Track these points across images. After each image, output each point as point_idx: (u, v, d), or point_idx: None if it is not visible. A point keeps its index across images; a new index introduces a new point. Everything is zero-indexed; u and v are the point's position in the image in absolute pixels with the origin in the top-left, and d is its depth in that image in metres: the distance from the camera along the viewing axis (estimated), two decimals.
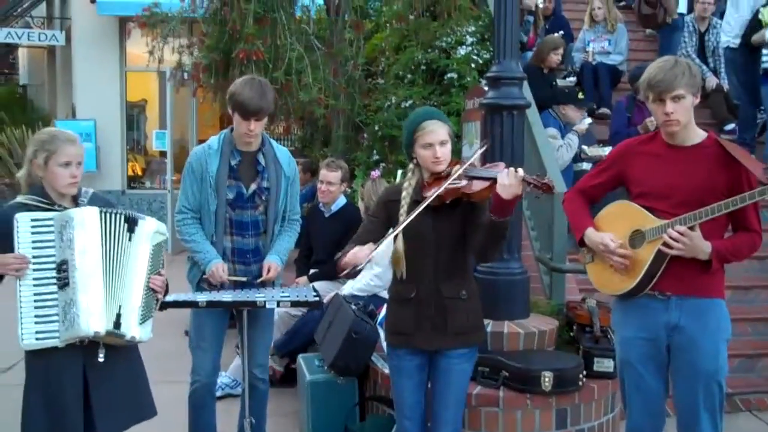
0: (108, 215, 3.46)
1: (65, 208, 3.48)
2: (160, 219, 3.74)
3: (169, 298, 3.86)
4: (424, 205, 3.51)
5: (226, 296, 4.20)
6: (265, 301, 4.13)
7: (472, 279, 3.84)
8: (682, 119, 3.48)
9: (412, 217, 3.49)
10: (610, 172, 3.80)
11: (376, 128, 8.10)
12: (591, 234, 3.72)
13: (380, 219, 3.79)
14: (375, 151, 8.09)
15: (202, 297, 4.17)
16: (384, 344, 4.98)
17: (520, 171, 3.36)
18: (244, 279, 4.47)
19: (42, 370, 3.46)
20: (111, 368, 3.53)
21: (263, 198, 4.47)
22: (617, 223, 3.68)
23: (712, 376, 3.53)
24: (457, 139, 6.56)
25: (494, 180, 3.41)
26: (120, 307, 3.43)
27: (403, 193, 3.67)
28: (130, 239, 3.51)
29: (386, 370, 4.90)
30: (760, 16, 7.14)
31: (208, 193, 4.41)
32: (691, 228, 3.42)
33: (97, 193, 3.73)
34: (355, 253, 3.46)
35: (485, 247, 3.58)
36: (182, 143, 14.32)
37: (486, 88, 5.30)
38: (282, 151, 4.58)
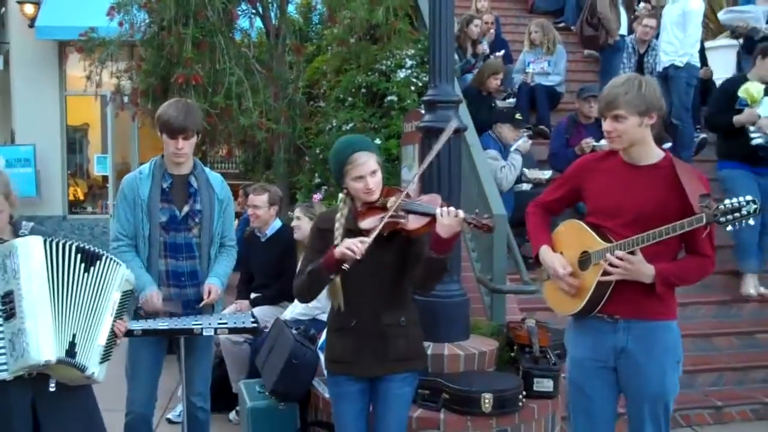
0: (54, 244, 3.40)
1: (4, 241, 3.41)
2: (103, 244, 3.71)
3: None
4: (372, 237, 3.44)
5: (162, 324, 4.16)
6: (202, 329, 4.11)
7: (411, 305, 3.83)
8: (625, 137, 3.49)
9: (370, 242, 3.44)
10: (567, 186, 3.83)
11: (318, 151, 8.10)
12: (544, 254, 3.75)
13: (317, 247, 3.73)
14: (317, 174, 8.08)
15: (137, 325, 4.12)
16: (324, 370, 4.97)
17: (461, 213, 3.37)
18: (179, 313, 4.41)
19: None
20: (62, 401, 3.45)
21: (196, 220, 4.45)
22: (569, 242, 3.71)
23: (658, 398, 3.56)
24: (396, 161, 6.60)
25: (433, 217, 3.42)
26: (74, 336, 3.36)
27: (336, 224, 3.64)
28: (86, 271, 3.44)
29: (327, 395, 4.88)
30: (742, 94, 7.19)
31: (140, 217, 4.39)
32: (632, 252, 3.43)
33: (37, 226, 3.65)
34: (355, 242, 3.41)
35: (425, 280, 3.60)
36: (124, 167, 14.14)
37: (423, 112, 5.33)
38: (214, 177, 4.58)
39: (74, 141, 15.00)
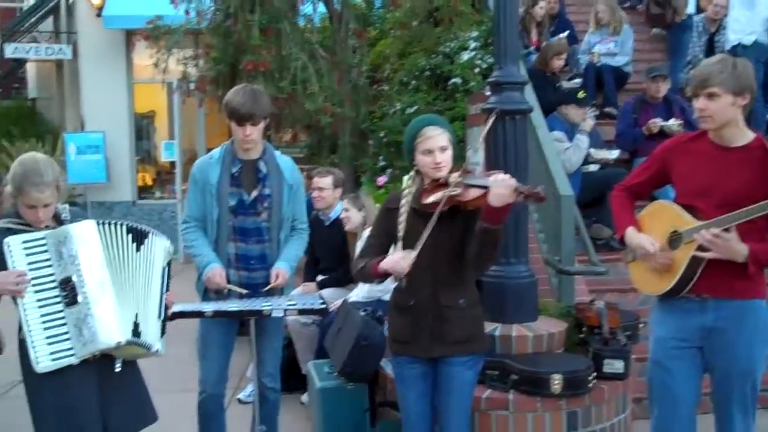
0: (108, 227, 3.43)
1: (49, 228, 3.42)
2: (171, 228, 3.77)
3: (176, 308, 3.85)
4: (434, 221, 3.48)
5: (233, 306, 4.21)
6: (271, 310, 4.14)
7: (472, 287, 3.80)
8: (716, 117, 3.44)
9: (427, 234, 3.48)
10: (654, 168, 3.80)
11: (382, 135, 8.11)
12: (631, 234, 3.72)
13: (383, 228, 3.77)
14: (381, 158, 8.10)
15: (208, 307, 4.18)
16: None
17: (512, 181, 3.35)
18: (243, 291, 4.45)
19: (54, 391, 3.38)
20: (120, 377, 3.51)
21: (265, 204, 4.47)
22: (657, 223, 3.67)
23: (746, 375, 3.53)
24: (461, 144, 6.58)
25: (488, 188, 3.41)
26: (136, 315, 3.40)
27: (402, 201, 3.66)
28: (137, 250, 3.49)
29: None
30: None
31: (209, 201, 4.44)
32: (727, 230, 3.39)
33: (75, 209, 3.68)
34: (398, 262, 3.49)
35: (478, 254, 3.55)
36: (191, 153, 14.34)
37: (488, 93, 5.30)
38: (284, 160, 4.60)
39: (141, 128, 15.29)
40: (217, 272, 4.40)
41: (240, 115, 4.31)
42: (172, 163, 14.03)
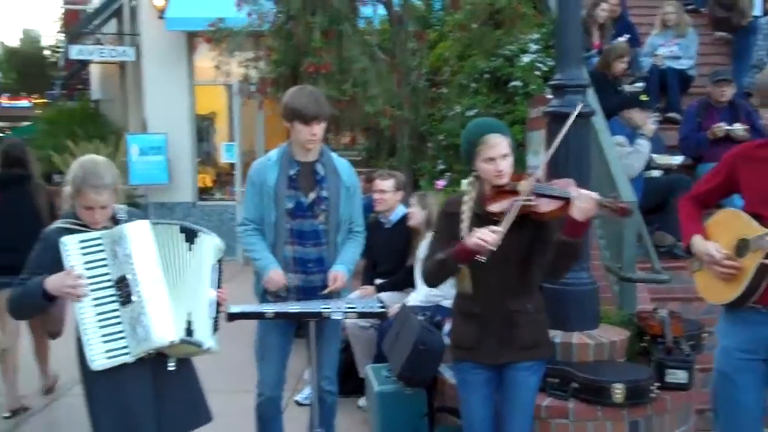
0: (161, 226, 3.47)
1: (106, 228, 3.45)
2: (230, 230, 3.78)
3: (237, 309, 3.88)
4: (507, 224, 3.40)
5: (293, 307, 4.22)
6: (331, 312, 4.14)
7: (537, 292, 3.78)
8: None
9: (505, 230, 3.40)
10: (721, 176, 3.74)
11: (441, 137, 8.08)
12: (697, 242, 3.68)
13: (445, 232, 3.71)
14: (440, 161, 8.07)
15: (268, 308, 4.20)
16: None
17: (596, 195, 3.33)
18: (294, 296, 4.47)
19: (109, 389, 3.42)
20: (174, 376, 3.54)
21: (323, 207, 4.48)
22: (724, 231, 3.62)
23: None
24: (521, 147, 6.52)
25: (567, 200, 3.37)
26: (189, 314, 3.42)
27: (463, 207, 3.62)
28: (189, 249, 3.51)
29: (454, 381, 4.88)
30: None
31: (267, 204, 4.45)
32: None
33: (133, 209, 3.73)
34: (483, 237, 3.34)
35: (556, 266, 3.54)
36: (250, 155, 14.42)
37: (549, 96, 5.24)
38: (341, 163, 4.60)
39: (202, 129, 15.44)
40: (277, 274, 4.42)
41: (307, 115, 4.31)
42: (232, 165, 14.18)
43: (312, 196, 4.47)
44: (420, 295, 5.81)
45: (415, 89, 8.79)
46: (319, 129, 4.36)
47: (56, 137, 16.50)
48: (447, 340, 4.93)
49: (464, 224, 3.57)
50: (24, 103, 56.86)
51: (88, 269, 3.33)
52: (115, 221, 3.54)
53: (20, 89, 59.10)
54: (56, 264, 3.31)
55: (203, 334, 3.47)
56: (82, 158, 3.54)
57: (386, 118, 8.20)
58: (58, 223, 3.51)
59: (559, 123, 4.87)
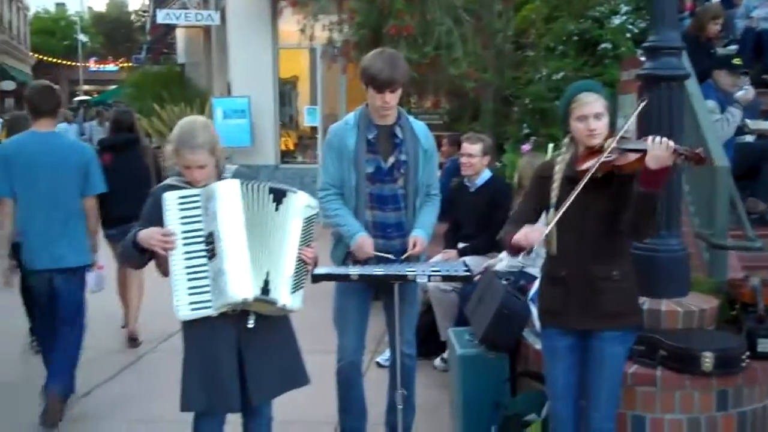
0: (250, 186, 3.51)
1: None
2: (311, 193, 3.77)
3: (322, 270, 3.89)
4: (583, 183, 3.41)
5: (378, 270, 4.23)
6: (416, 275, 4.14)
7: (626, 259, 3.70)
8: None
9: (573, 196, 3.40)
10: None
11: (527, 101, 8.00)
12: None
13: (534, 194, 3.72)
14: (525, 125, 7.99)
15: (354, 270, 4.20)
16: (535, 321, 4.93)
17: (671, 142, 3.24)
18: (389, 255, 4.45)
19: (196, 340, 3.58)
20: (263, 336, 3.61)
21: (402, 171, 4.44)
22: None
23: None
24: (612, 112, 6.39)
25: (645, 151, 3.30)
26: (268, 273, 3.47)
27: (556, 168, 3.59)
28: (276, 209, 3.55)
29: (537, 346, 4.84)
30: None
31: (347, 168, 4.43)
32: None
33: (240, 168, 3.78)
34: (527, 235, 3.43)
35: (635, 222, 3.45)
36: (332, 119, 14.43)
37: (642, 59, 5.12)
38: (419, 126, 4.55)
39: (284, 93, 15.55)
40: (366, 241, 4.41)
41: (379, 81, 4.25)
42: (314, 129, 14.28)
43: (391, 160, 4.44)
44: (505, 259, 5.77)
45: (500, 52, 8.71)
46: (391, 97, 4.30)
47: (142, 101, 16.91)
48: (531, 305, 4.92)
49: (555, 185, 3.54)
50: (111, 67, 58.28)
51: (183, 224, 3.47)
52: (219, 179, 3.62)
53: (107, 53, 60.44)
54: (162, 218, 3.48)
55: (282, 292, 3.52)
56: (183, 119, 3.66)
57: (470, 81, 8.13)
58: (167, 181, 3.69)
59: (652, 86, 4.78)
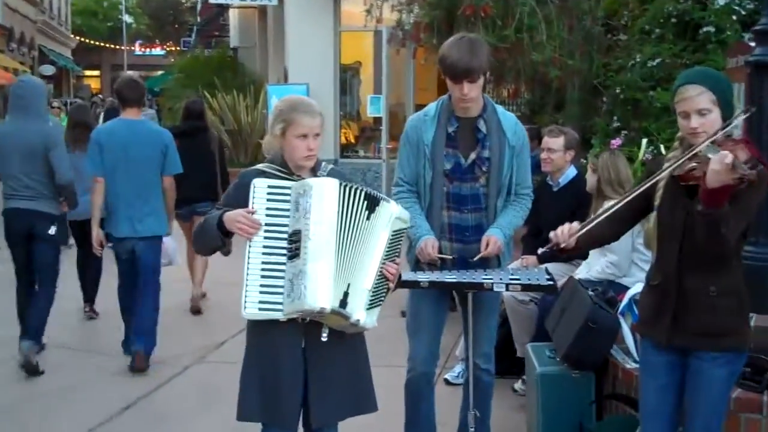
0: (348, 189, 3.50)
1: (301, 178, 3.59)
2: (375, 190, 3.77)
3: None
4: (649, 183, 3.39)
5: (450, 277, 4.23)
6: (492, 284, 4.12)
7: (731, 274, 3.55)
8: None
9: (632, 195, 3.41)
10: None
11: (618, 91, 7.90)
12: None
13: (640, 193, 3.58)
14: (615, 117, 7.89)
15: (423, 277, 4.22)
16: (626, 336, 4.89)
17: (728, 157, 3.04)
18: (451, 257, 4.47)
19: (259, 346, 3.63)
20: (332, 352, 3.61)
21: (483, 169, 4.44)
22: None
23: None
24: None
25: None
26: (348, 285, 3.47)
27: (665, 164, 3.52)
28: (368, 218, 3.54)
29: (627, 365, 4.81)
30: None
31: (423, 163, 4.45)
32: None
33: (336, 168, 3.83)
34: (563, 231, 3.49)
35: (700, 243, 3.35)
36: (399, 108, 14.52)
37: (751, 44, 5.02)
38: (507, 118, 4.54)
39: (346, 80, 15.61)
40: (429, 243, 4.43)
41: (457, 71, 4.26)
42: (378, 120, 14.26)
43: (472, 156, 4.45)
44: (594, 270, 5.71)
45: (588, 35, 8.61)
46: (470, 88, 4.29)
47: (192, 88, 17.09)
48: (621, 319, 4.87)
49: (660, 184, 3.49)
50: (158, 51, 59.25)
51: (268, 215, 3.50)
52: (314, 175, 3.67)
53: (154, 36, 61.44)
54: (245, 203, 3.52)
55: (357, 306, 3.50)
56: (279, 99, 3.80)
57: (554, 68, 8.07)
58: (259, 165, 3.74)
59: (763, 75, 4.68)
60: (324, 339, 3.56)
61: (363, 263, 3.53)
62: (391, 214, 3.60)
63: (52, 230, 6.74)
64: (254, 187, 3.51)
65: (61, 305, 7.38)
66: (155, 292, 6.86)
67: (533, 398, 5.16)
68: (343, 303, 3.45)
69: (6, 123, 7.02)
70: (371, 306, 3.56)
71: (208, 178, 8.29)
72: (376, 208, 3.56)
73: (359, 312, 3.50)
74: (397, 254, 3.68)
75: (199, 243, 3.80)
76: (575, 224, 3.54)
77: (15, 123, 6.71)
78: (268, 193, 3.51)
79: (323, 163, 3.74)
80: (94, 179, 6.63)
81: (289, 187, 3.52)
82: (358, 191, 3.51)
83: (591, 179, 6.01)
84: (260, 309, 3.47)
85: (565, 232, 3.51)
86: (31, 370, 6.52)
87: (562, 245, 3.54)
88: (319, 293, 3.38)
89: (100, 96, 37.26)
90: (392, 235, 3.61)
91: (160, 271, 6.95)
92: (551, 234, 3.55)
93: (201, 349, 7.10)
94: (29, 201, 6.64)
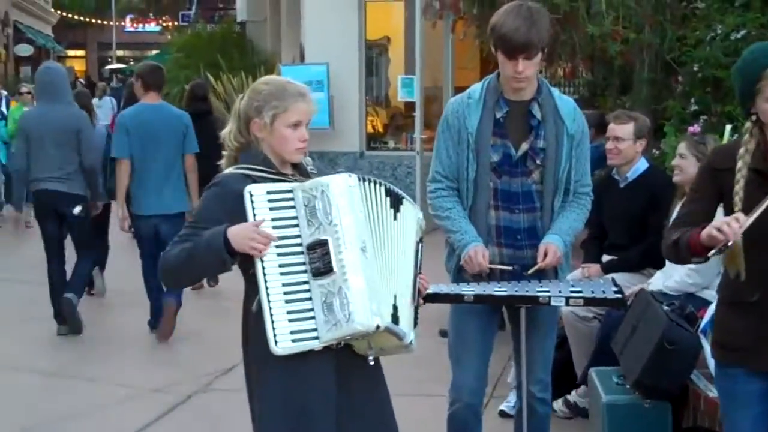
0: (368, 184, 3.48)
1: (294, 179, 3.53)
2: (407, 188, 3.79)
3: (429, 289, 3.86)
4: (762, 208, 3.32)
5: (499, 289, 4.21)
6: (549, 297, 4.10)
7: None
8: None
9: (752, 220, 3.31)
10: None
11: (695, 68, 7.86)
12: None
13: (707, 193, 3.63)
14: (693, 100, 7.85)
15: (468, 290, 4.20)
16: (709, 360, 4.83)
17: None
18: (509, 268, 4.44)
19: (282, 385, 3.48)
20: (365, 380, 3.57)
21: (537, 162, 4.43)
22: None
23: None
24: None
25: None
26: (395, 297, 3.44)
27: (738, 162, 3.49)
28: (395, 218, 3.53)
29: (711, 393, 4.78)
30: None
31: (466, 155, 4.43)
32: None
33: (318, 164, 3.81)
34: (725, 224, 3.30)
35: None
36: (434, 92, 14.51)
37: None
38: (565, 102, 4.53)
39: (372, 59, 15.59)
40: (480, 251, 4.38)
41: (511, 45, 4.23)
42: (410, 105, 14.24)
43: (524, 146, 4.43)
44: (671, 279, 5.67)
45: (659, 4, 8.56)
46: (526, 65, 4.25)
47: (192, 69, 17.19)
48: (703, 339, 4.83)
49: (739, 183, 3.45)
50: (152, 27, 59.58)
51: (275, 227, 3.38)
52: (303, 173, 3.62)
53: (147, 10, 61.78)
54: (231, 217, 3.40)
55: (406, 323, 3.48)
56: (258, 81, 3.70)
57: (617, 42, 8.02)
58: (233, 169, 3.60)
59: None
60: (371, 362, 3.49)
61: (402, 272, 3.52)
62: (418, 218, 3.62)
63: (77, 210, 8.29)
64: (251, 195, 3.38)
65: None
66: None
67: (598, 431, 5.15)
68: (395, 318, 3.41)
69: (36, 108, 9.08)
70: (415, 324, 3.55)
71: (211, 164, 8.66)
72: (401, 206, 3.56)
73: (411, 331, 3.48)
74: (420, 266, 3.67)
75: (184, 275, 3.63)
76: (740, 215, 3.36)
77: (44, 107, 8.45)
78: (269, 200, 3.40)
79: (304, 158, 3.67)
80: (120, 161, 8.14)
81: (290, 191, 3.43)
82: (378, 186, 3.50)
83: (692, 169, 5.84)
84: (294, 341, 3.34)
85: (734, 226, 3.31)
86: (75, 325, 8.21)
87: (730, 243, 3.34)
88: (368, 310, 3.30)
89: (81, 81, 37.17)
90: (418, 244, 3.62)
91: None
92: (713, 232, 3.33)
93: (206, 375, 7.11)
94: (58, 183, 8.23)
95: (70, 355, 7.96)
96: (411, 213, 3.61)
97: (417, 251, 3.61)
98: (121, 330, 8.64)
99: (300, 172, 3.62)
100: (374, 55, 15.81)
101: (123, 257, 10.36)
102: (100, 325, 8.73)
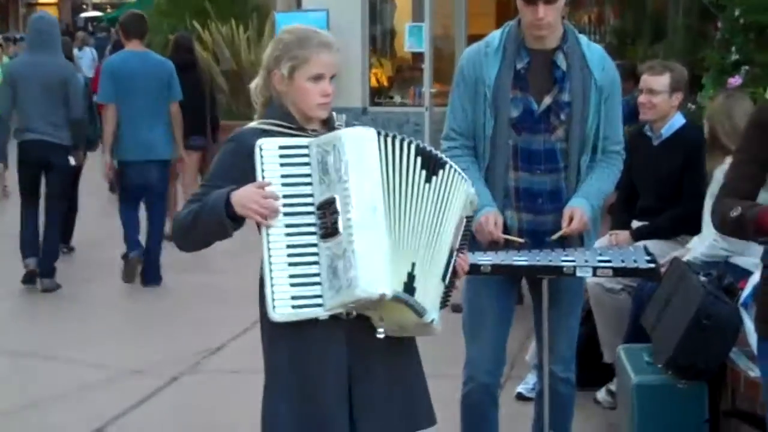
0: (391, 140, 3.41)
1: (318, 133, 3.51)
2: None
3: None
4: None
5: (519, 259, 4.20)
6: (575, 267, 4.10)
7: None
8: None
9: None
10: None
11: (736, 14, 7.81)
12: None
13: (757, 154, 3.58)
14: (734, 49, 7.81)
15: (485, 259, 4.19)
16: (750, 336, 4.82)
17: None
18: (522, 240, 4.44)
19: (290, 354, 3.49)
20: (383, 354, 3.53)
21: (562, 117, 4.42)
22: None
23: None
24: None
25: None
26: (413, 265, 3.39)
27: None
28: (428, 180, 3.46)
29: (752, 374, 4.77)
30: None
31: (483, 110, 4.42)
32: None
33: (350, 121, 3.72)
34: None
35: None
36: (445, 42, 14.48)
37: None
38: (593, 50, 4.50)
39: (375, 6, 15.56)
40: (491, 218, 4.38)
41: None
42: (418, 56, 14.21)
43: (547, 100, 4.42)
44: (705, 245, 5.65)
45: None
46: (547, 11, 4.23)
47: (177, 17, 17.12)
48: (744, 313, 4.82)
49: None
50: None
51: (285, 185, 3.37)
52: (329, 128, 3.56)
53: None
54: (248, 176, 3.39)
55: (428, 299, 3.43)
56: (282, 29, 3.77)
57: None
58: (254, 123, 3.62)
59: None
60: (380, 335, 3.43)
61: (436, 243, 3.45)
62: (468, 193, 3.55)
63: (72, 161, 9.12)
64: (261, 150, 3.37)
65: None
66: (161, 217, 9.57)
67: (627, 415, 5.18)
68: (408, 288, 3.36)
69: (25, 56, 9.71)
70: (443, 304, 3.51)
71: (201, 111, 10.87)
72: (440, 171, 3.47)
73: (434, 309, 3.43)
74: (466, 244, 3.64)
75: (191, 237, 3.62)
76: None
77: (34, 57, 9.07)
78: (281, 156, 3.38)
79: (335, 114, 3.62)
80: (106, 107, 9.14)
81: (306, 146, 3.41)
82: (406, 144, 3.41)
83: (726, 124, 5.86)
84: (294, 307, 3.33)
85: None
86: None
87: None
88: (374, 276, 3.27)
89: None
90: (466, 221, 3.58)
91: (167, 196, 9.88)
92: None
93: (193, 355, 7.10)
94: (48, 134, 8.85)
95: (43, 333, 7.95)
96: (456, 183, 3.53)
97: (458, 226, 3.55)
98: (96, 299, 8.97)
99: (329, 129, 3.55)
100: (378, 1, 15.76)
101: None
102: (74, 299, 8.90)
